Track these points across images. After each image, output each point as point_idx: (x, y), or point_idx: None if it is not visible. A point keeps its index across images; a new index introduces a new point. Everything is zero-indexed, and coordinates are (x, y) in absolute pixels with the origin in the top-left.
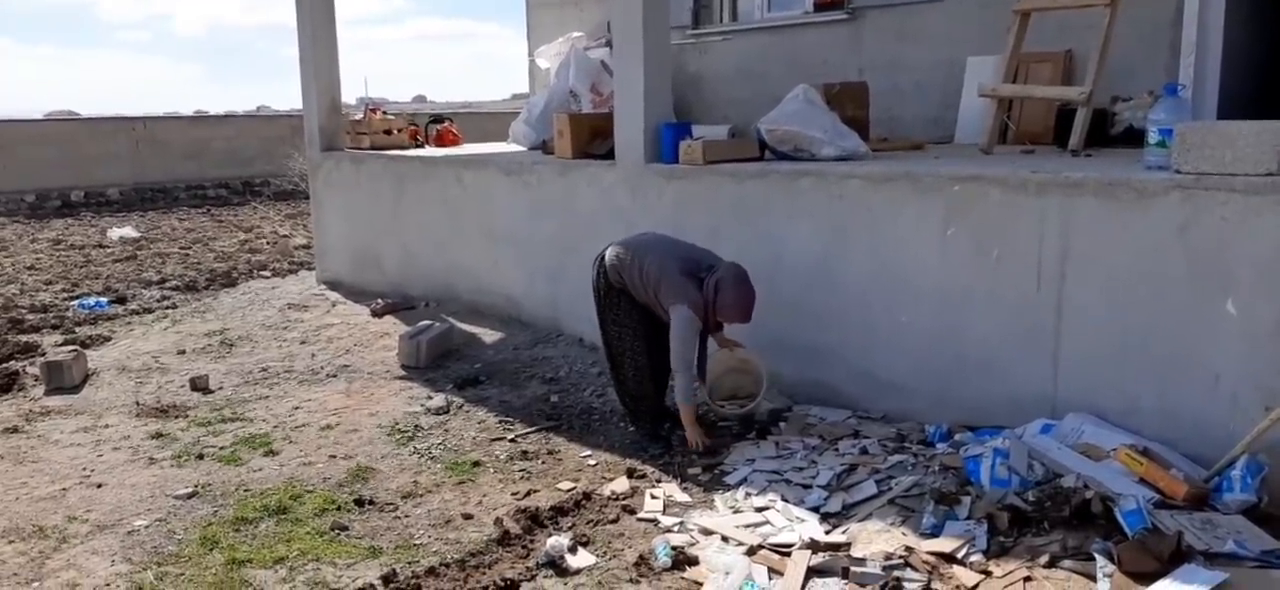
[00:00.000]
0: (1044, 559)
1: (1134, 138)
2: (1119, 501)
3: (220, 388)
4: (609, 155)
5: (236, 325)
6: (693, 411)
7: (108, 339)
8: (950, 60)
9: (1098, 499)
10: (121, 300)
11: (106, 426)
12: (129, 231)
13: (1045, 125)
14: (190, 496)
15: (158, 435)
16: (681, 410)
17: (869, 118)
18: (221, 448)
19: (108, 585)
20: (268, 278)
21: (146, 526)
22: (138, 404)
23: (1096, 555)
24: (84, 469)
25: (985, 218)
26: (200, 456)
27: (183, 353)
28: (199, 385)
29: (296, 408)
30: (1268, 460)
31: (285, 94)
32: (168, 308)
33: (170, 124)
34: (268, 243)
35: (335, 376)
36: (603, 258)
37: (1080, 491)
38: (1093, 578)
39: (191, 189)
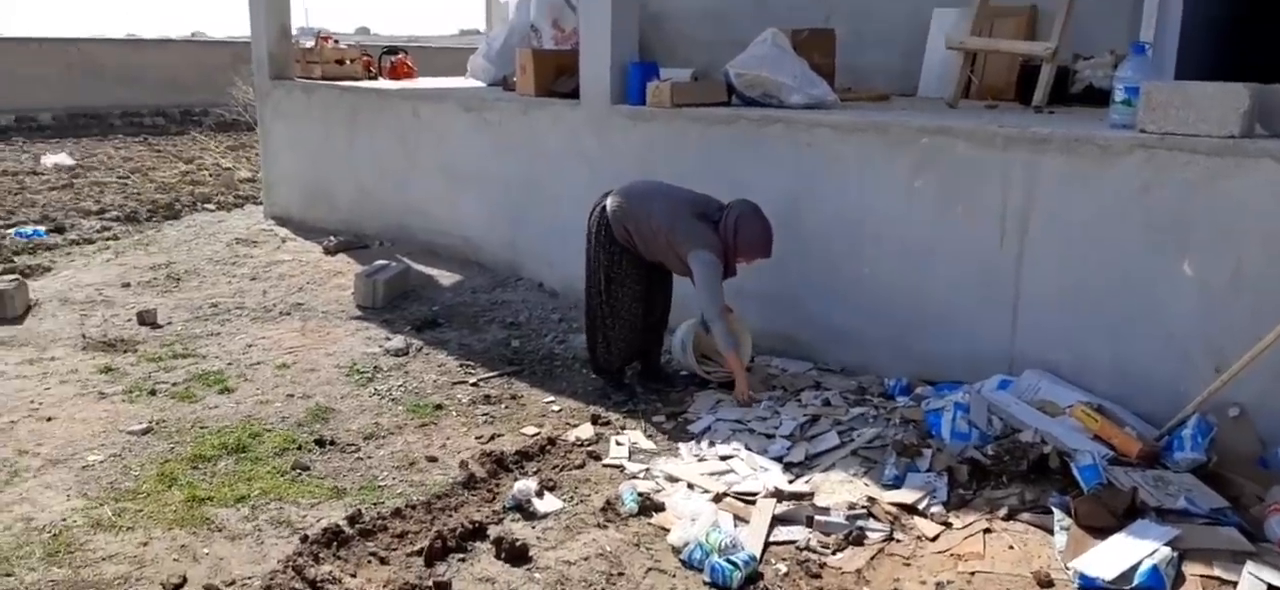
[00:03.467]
0: (1003, 511)
1: (1094, 96)
2: (1075, 457)
3: (169, 323)
4: (573, 94)
5: (182, 259)
6: (740, 362)
7: (48, 269)
8: (916, 11)
9: (1055, 454)
10: (60, 230)
11: (52, 359)
12: (64, 158)
13: (1008, 81)
14: (145, 432)
15: (107, 369)
16: (730, 362)
17: (835, 66)
18: (174, 384)
19: (64, 520)
20: (212, 211)
21: (101, 461)
22: (84, 337)
23: (1054, 509)
24: (32, 402)
25: (951, 171)
26: (152, 392)
27: (127, 286)
28: (147, 319)
29: (250, 345)
30: (1216, 420)
31: (219, 21)
32: (109, 239)
33: (104, 47)
34: (210, 174)
35: (289, 314)
36: (602, 208)
37: (1038, 446)
38: (1050, 530)
39: (127, 116)
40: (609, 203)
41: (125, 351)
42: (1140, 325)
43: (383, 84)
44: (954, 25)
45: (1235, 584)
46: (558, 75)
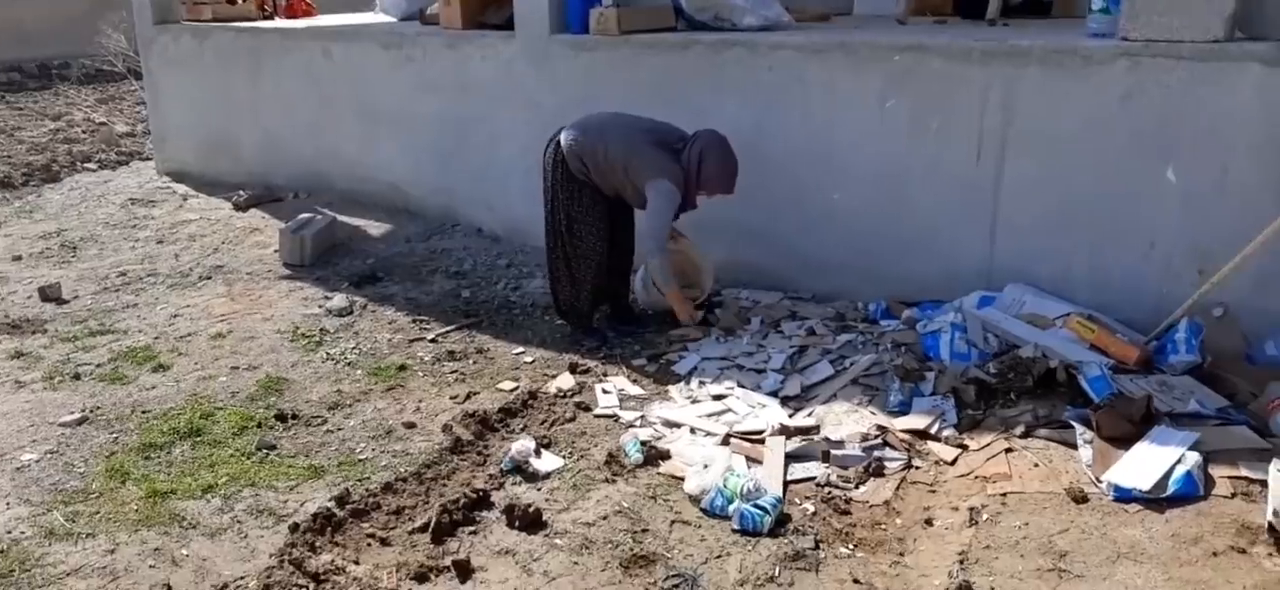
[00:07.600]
0: (1019, 429)
1: (1036, 8)
2: (1083, 369)
3: (76, 296)
4: (507, 25)
5: (74, 225)
6: (680, 297)
7: None
8: None
9: (1062, 368)
10: None
11: None
12: None
13: None
14: (80, 423)
15: (17, 354)
16: (668, 293)
17: None
18: (98, 365)
19: (9, 532)
20: (95, 170)
21: (37, 460)
22: None
23: (1074, 423)
24: None
25: (925, 89)
26: (76, 376)
27: (19, 258)
28: (51, 294)
29: (175, 315)
30: (1203, 321)
31: None
32: None
33: None
34: (83, 131)
35: (210, 278)
36: (557, 144)
37: (1042, 361)
38: (1070, 445)
39: None
40: (563, 137)
41: (34, 332)
42: (1122, 234)
43: (285, 23)
44: None
45: (1264, 482)
46: (486, 5)
